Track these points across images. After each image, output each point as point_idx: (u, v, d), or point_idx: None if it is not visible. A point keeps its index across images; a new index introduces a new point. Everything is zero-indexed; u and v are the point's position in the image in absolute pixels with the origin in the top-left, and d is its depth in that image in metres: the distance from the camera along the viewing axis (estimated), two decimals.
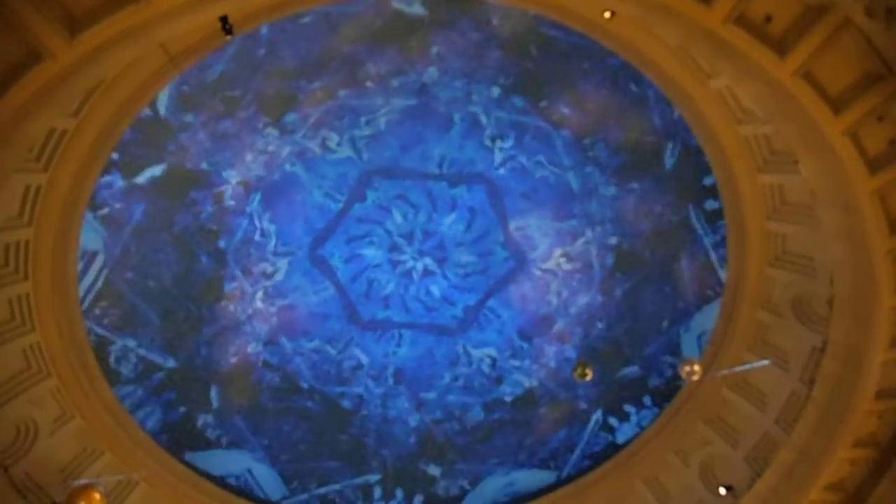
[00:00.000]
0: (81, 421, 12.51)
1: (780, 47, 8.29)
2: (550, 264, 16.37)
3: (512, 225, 16.45)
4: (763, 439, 12.36)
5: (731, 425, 13.15)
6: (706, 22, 8.41)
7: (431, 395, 16.63)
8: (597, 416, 15.86)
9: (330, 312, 16.66)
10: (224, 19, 9.99)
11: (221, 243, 15.82)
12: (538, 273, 16.49)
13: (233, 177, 15.48)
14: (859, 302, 10.09)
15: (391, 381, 16.72)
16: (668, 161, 15.04)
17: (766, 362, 12.10)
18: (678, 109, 12.98)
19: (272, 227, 16.04)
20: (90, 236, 14.07)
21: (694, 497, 13.33)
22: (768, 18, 8.21)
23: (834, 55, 8.14)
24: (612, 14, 10.57)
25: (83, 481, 11.33)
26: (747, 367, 12.28)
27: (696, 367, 10.85)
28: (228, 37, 10.41)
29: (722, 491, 12.41)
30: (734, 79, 10.03)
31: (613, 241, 15.96)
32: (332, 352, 16.59)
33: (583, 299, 16.21)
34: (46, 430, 11.88)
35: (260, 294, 16.18)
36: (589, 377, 11.94)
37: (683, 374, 10.99)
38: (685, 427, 13.90)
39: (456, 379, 16.69)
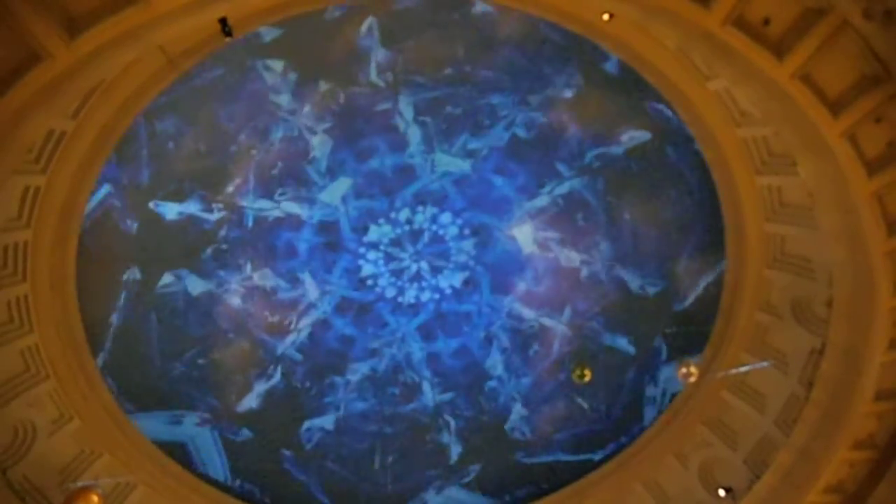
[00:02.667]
0: (80, 423, 12.49)
1: (779, 49, 8.30)
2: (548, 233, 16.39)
3: (508, 216, 16.52)
4: (762, 441, 12.37)
5: (730, 427, 13.15)
6: (705, 24, 8.42)
7: (493, 384, 16.72)
8: (658, 344, 15.75)
9: (360, 334, 16.88)
10: (223, 21, 10.01)
11: (238, 316, 16.14)
12: (540, 245, 16.50)
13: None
14: (858, 303, 10.10)
15: (450, 382, 16.85)
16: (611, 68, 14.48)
17: (765, 364, 12.11)
18: (677, 111, 12.99)
19: (273, 283, 16.30)
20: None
21: (693, 499, 13.33)
22: (766, 21, 8.22)
23: (832, 57, 8.16)
24: (611, 16, 10.59)
25: (81, 483, 11.33)
26: (746, 368, 12.29)
27: (693, 370, 10.87)
28: (228, 38, 10.43)
29: (721, 493, 12.41)
30: (733, 81, 10.05)
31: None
32: (383, 371, 16.87)
33: (598, 245, 16.07)
34: (45, 432, 11.86)
35: (294, 343, 16.48)
36: (588, 378, 11.95)
37: (680, 377, 11.00)
38: (684, 429, 13.90)
39: (510, 360, 16.72)
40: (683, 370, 10.88)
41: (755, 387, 12.74)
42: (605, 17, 10.66)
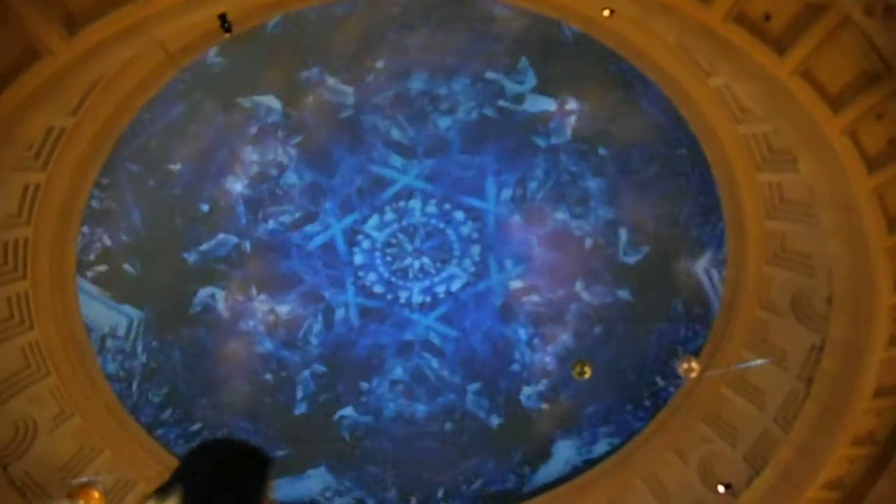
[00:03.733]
0: (80, 419, 12.51)
1: (780, 45, 8.29)
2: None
3: (497, 195, 16.59)
4: (762, 437, 12.38)
5: (729, 423, 13.17)
6: (705, 20, 8.41)
7: (516, 368, 16.76)
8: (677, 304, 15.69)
9: (378, 338, 17.06)
10: (223, 17, 9.99)
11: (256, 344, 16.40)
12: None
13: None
14: (858, 300, 10.10)
15: (475, 371, 16.92)
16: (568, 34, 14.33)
17: (764, 361, 12.11)
18: (677, 108, 12.96)
19: (281, 301, 16.49)
20: None
21: (692, 495, 13.36)
22: (767, 17, 8.20)
23: (833, 53, 8.15)
24: (612, 12, 10.56)
25: (82, 479, 11.36)
26: (746, 365, 12.29)
27: (695, 365, 10.88)
28: (227, 35, 10.42)
29: (721, 489, 12.43)
30: (733, 77, 10.03)
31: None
32: (409, 371, 17.04)
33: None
34: (45, 429, 11.87)
35: (316, 356, 16.65)
36: (588, 375, 11.95)
37: (682, 372, 11.01)
38: (684, 425, 13.92)
39: (531, 340, 16.76)
40: (685, 366, 10.89)
41: (755, 383, 12.75)
42: (606, 13, 10.62)
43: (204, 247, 15.66)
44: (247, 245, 15.96)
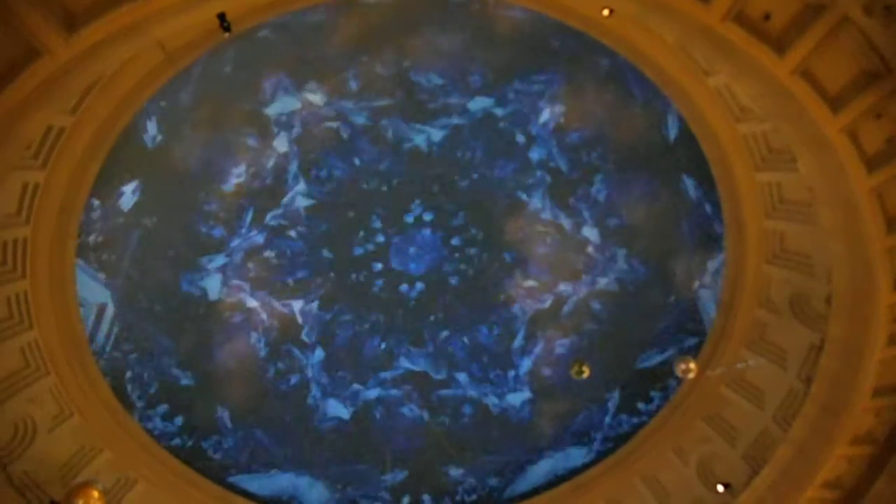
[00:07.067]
0: (80, 418, 12.50)
1: (779, 45, 8.29)
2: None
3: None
4: (761, 437, 12.39)
5: (729, 423, 13.18)
6: (705, 19, 8.40)
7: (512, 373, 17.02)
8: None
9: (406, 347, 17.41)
10: (222, 17, 10.00)
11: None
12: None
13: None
14: (857, 300, 10.11)
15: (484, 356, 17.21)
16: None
17: (763, 360, 12.12)
18: (677, 107, 12.97)
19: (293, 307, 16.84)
20: None
21: (692, 494, 13.36)
22: (767, 16, 8.21)
23: (832, 53, 8.15)
24: (611, 12, 10.57)
25: (81, 479, 11.35)
26: (745, 364, 12.30)
27: (692, 366, 10.87)
28: (226, 34, 10.42)
29: (720, 488, 12.45)
30: (733, 76, 10.03)
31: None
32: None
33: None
34: (45, 428, 11.87)
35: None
36: (586, 374, 11.96)
37: (679, 373, 11.00)
38: (683, 425, 13.92)
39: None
40: (682, 366, 10.87)
41: (754, 382, 12.76)
42: (605, 12, 10.64)
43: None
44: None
